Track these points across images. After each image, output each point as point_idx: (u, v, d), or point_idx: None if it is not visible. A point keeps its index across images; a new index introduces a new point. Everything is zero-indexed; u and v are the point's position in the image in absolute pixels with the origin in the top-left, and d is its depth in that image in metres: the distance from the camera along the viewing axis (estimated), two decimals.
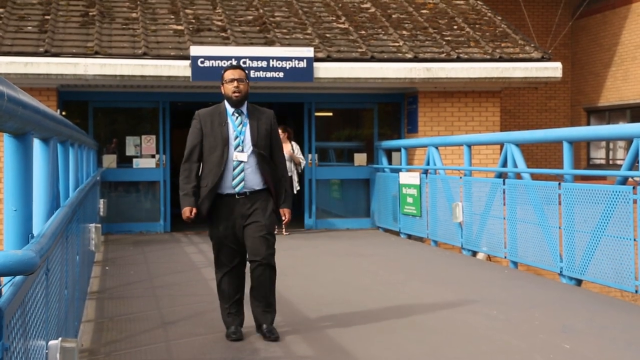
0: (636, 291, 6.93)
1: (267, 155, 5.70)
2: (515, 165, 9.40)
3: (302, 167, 12.96)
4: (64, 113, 12.59)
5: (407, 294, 7.55)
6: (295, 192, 12.57)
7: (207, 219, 5.70)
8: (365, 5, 15.48)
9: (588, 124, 20.02)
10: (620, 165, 7.79)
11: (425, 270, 9.29)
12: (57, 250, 3.77)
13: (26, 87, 11.41)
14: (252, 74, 12.23)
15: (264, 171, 5.64)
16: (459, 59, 13.33)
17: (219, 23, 13.86)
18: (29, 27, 12.97)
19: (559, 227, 8.15)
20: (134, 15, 13.91)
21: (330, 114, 15.17)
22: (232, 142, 5.61)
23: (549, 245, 8.36)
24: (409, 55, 13.24)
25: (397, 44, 13.66)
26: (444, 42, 13.90)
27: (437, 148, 11.93)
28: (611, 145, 19.52)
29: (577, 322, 6.18)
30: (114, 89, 13.30)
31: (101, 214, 11.18)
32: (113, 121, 13.98)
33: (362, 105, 14.75)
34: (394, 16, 15.01)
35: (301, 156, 12.88)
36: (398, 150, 13.72)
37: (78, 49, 12.32)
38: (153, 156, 13.56)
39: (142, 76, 12.29)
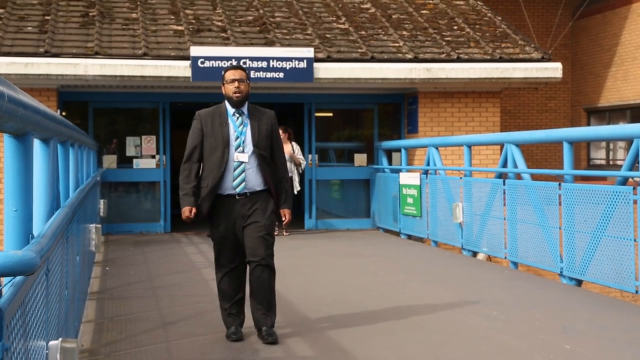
0: (636, 291, 6.93)
1: (268, 155, 5.69)
2: (516, 166, 9.40)
3: (302, 167, 12.96)
4: (64, 113, 12.59)
5: (407, 295, 7.55)
6: (295, 192, 12.57)
7: (207, 219, 5.70)
8: (365, 6, 15.48)
9: (588, 124, 20.02)
10: (621, 166, 7.79)
11: (426, 270, 9.29)
12: (58, 251, 3.77)
13: (26, 88, 11.41)
14: (252, 74, 12.23)
15: (264, 172, 5.64)
16: (459, 60, 13.33)
17: (219, 23, 13.86)
18: (29, 28, 12.97)
19: (559, 228, 8.15)
20: (134, 15, 13.91)
21: (331, 114, 15.17)
22: (233, 143, 5.61)
23: (549, 245, 8.36)
24: (409, 56, 13.24)
25: (397, 45, 13.66)
26: (444, 43, 13.90)
27: (437, 148, 11.93)
28: (611, 146, 19.53)
29: (577, 323, 6.18)
30: (114, 89, 13.30)
31: (101, 214, 11.17)
32: (113, 121, 13.98)
33: (362, 105, 14.75)
34: (394, 16, 15.01)
35: (301, 157, 12.88)
36: (398, 150, 13.72)
37: (78, 50, 12.33)
38: (153, 157, 13.56)
39: (142, 76, 12.29)
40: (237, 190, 5.59)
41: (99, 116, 13.73)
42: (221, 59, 12.34)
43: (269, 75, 12.55)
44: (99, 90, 13.31)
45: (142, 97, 13.63)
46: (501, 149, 10.01)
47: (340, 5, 15.32)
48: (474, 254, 10.45)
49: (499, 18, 15.52)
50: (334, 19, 14.65)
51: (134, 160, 13.53)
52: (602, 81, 19.51)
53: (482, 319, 6.31)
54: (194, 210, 5.57)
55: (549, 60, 13.70)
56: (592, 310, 6.63)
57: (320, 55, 12.88)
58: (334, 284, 8.15)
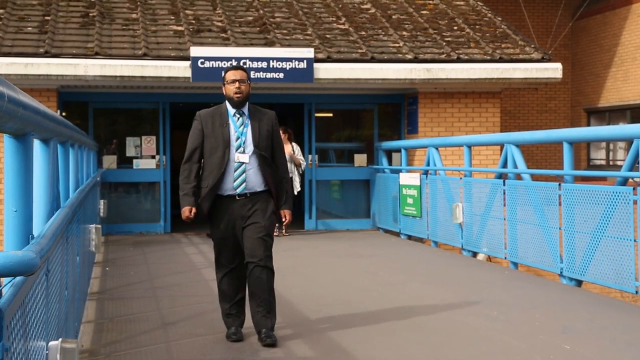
0: (636, 292, 6.93)
1: (269, 156, 5.68)
2: (516, 166, 9.40)
3: (302, 168, 12.96)
4: (64, 114, 12.59)
5: (408, 295, 7.55)
6: (295, 193, 12.57)
7: (208, 219, 5.70)
8: (365, 6, 15.48)
9: (588, 124, 20.02)
10: (621, 166, 7.79)
11: (426, 271, 9.29)
12: (58, 251, 3.76)
13: (26, 88, 11.41)
14: (253, 74, 12.23)
15: (265, 172, 5.63)
16: (459, 60, 13.33)
17: (219, 24, 13.86)
18: (29, 28, 12.97)
19: (559, 228, 8.15)
20: (134, 16, 13.91)
21: (331, 114, 15.17)
22: (234, 143, 5.60)
23: (549, 246, 8.36)
24: (409, 56, 13.24)
25: (397, 45, 13.66)
26: (444, 43, 13.90)
27: (437, 149, 11.93)
28: (611, 146, 19.53)
29: (577, 323, 6.18)
30: (114, 89, 13.30)
31: (101, 214, 11.17)
32: (113, 122, 13.99)
33: (362, 106, 14.75)
34: (394, 17, 15.01)
35: (301, 157, 12.88)
36: (398, 151, 13.72)
37: (78, 50, 12.33)
38: (153, 157, 13.56)
39: (142, 77, 12.29)
40: (238, 190, 5.59)
41: (99, 116, 13.73)
42: (221, 59, 12.34)
43: (269, 75, 12.55)
44: (99, 91, 13.31)
45: (142, 97, 13.63)
46: (501, 150, 10.01)
47: (340, 6, 15.32)
48: (474, 254, 10.45)
49: (499, 18, 15.52)
50: (334, 19, 14.66)
51: (134, 161, 13.54)
52: (602, 81, 19.52)
53: (482, 320, 6.31)
54: (193, 210, 5.56)
55: (549, 60, 13.71)
56: (592, 311, 6.63)
57: (320, 55, 12.88)
58: (334, 285, 8.15)
